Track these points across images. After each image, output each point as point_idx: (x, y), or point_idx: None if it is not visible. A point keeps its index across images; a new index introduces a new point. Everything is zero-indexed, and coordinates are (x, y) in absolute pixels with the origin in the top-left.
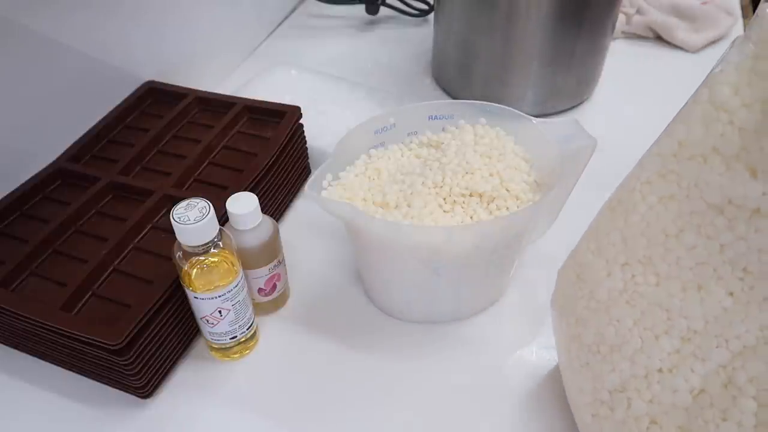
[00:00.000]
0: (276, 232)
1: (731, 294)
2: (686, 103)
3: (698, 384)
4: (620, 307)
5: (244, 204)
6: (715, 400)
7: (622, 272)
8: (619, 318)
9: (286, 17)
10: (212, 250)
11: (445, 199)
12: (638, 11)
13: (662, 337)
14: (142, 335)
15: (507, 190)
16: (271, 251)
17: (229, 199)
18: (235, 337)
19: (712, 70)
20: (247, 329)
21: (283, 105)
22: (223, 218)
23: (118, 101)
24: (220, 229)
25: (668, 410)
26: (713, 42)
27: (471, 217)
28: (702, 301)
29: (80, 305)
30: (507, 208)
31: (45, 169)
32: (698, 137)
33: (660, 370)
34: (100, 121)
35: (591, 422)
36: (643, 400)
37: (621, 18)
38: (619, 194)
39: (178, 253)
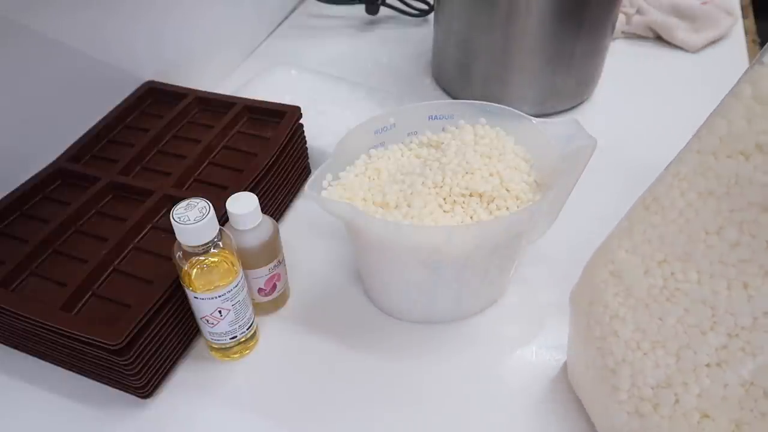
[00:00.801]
0: (276, 232)
1: None
2: (723, 98)
3: (749, 377)
4: (662, 304)
5: (244, 204)
6: None
7: (660, 269)
8: (662, 315)
9: (286, 17)
10: (212, 250)
11: (445, 199)
12: (638, 11)
13: (709, 334)
14: (142, 335)
15: (507, 190)
16: (271, 251)
17: (229, 199)
18: (235, 337)
19: (752, 65)
20: (247, 329)
21: (283, 105)
22: (223, 218)
23: (118, 101)
24: (220, 229)
25: (720, 404)
26: (713, 42)
27: (471, 217)
28: (750, 299)
29: (80, 305)
30: (507, 208)
31: (45, 169)
32: (740, 133)
33: (708, 365)
34: (100, 121)
35: (627, 420)
36: (691, 394)
37: (621, 18)
38: (654, 191)
39: (178, 253)
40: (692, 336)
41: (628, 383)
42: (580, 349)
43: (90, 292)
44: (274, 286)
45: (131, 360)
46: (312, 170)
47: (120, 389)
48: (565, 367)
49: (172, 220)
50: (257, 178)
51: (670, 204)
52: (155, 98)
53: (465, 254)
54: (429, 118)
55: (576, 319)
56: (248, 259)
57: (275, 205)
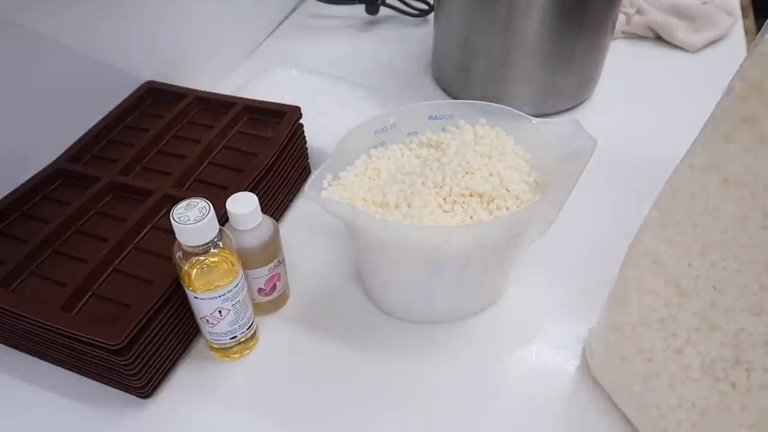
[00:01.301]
0: (276, 232)
1: None
2: (732, 78)
3: None
4: (710, 293)
5: (244, 204)
6: None
7: (701, 260)
8: (714, 302)
9: (286, 17)
10: (212, 250)
11: (445, 199)
12: (638, 11)
13: (762, 315)
14: (142, 335)
15: (507, 190)
16: (271, 251)
17: (229, 199)
18: (235, 337)
19: (754, 46)
20: (247, 329)
21: (283, 105)
22: (223, 218)
23: (118, 101)
24: (220, 229)
25: None
26: (713, 42)
27: (471, 217)
28: None
29: (80, 305)
30: (507, 208)
31: (45, 169)
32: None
33: (766, 343)
34: (100, 121)
35: (706, 395)
36: (758, 369)
37: (621, 18)
38: (673, 182)
39: (178, 253)
40: (747, 319)
41: (698, 362)
42: (623, 337)
43: (90, 292)
44: (274, 286)
45: (131, 360)
46: (312, 170)
47: (120, 389)
48: (566, 367)
49: (172, 220)
50: (257, 178)
51: (694, 192)
52: (155, 98)
53: (465, 254)
54: (429, 118)
55: (618, 310)
56: (248, 259)
57: (275, 205)
